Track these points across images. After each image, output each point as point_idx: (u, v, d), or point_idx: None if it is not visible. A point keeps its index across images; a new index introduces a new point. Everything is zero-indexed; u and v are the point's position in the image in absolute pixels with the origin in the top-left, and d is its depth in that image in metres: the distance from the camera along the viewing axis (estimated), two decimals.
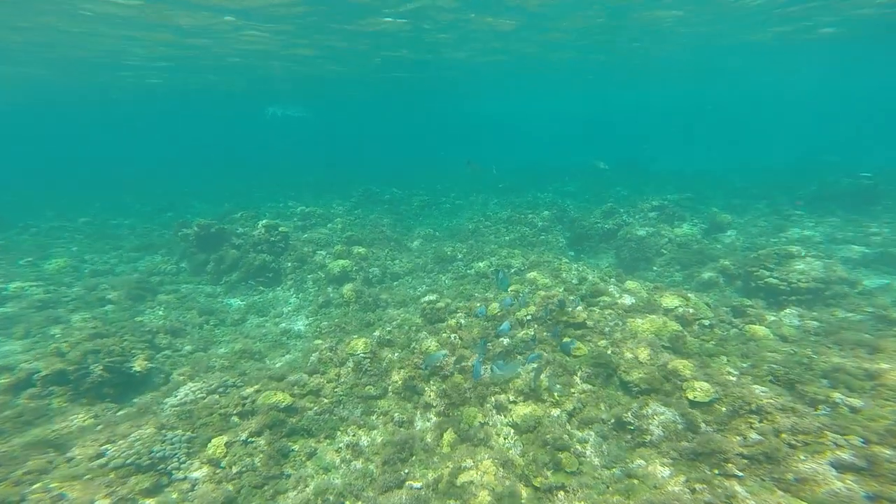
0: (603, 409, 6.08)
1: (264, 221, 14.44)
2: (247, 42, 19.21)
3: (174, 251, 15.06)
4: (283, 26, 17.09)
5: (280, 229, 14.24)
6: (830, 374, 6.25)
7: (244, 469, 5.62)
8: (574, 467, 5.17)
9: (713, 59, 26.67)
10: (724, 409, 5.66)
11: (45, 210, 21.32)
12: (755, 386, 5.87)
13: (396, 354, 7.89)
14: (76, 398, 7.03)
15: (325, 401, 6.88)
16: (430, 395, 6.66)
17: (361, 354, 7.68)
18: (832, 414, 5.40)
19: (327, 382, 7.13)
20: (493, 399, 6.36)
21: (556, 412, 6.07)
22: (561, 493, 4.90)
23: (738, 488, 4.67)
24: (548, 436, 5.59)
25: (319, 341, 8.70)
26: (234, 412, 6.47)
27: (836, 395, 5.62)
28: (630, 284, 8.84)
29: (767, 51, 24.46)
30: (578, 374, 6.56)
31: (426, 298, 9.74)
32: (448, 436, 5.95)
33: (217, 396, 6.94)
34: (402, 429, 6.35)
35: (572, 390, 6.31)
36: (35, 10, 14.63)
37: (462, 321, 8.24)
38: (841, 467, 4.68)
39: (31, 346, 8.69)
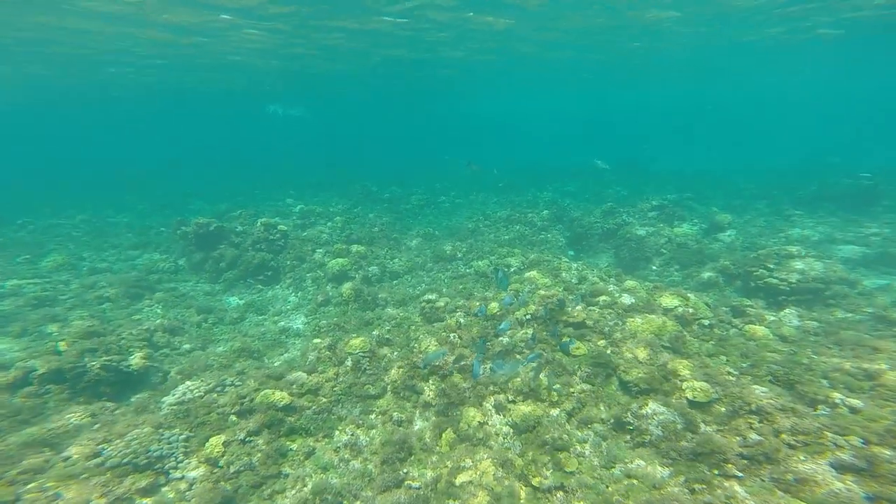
0: (602, 408, 6.07)
1: (263, 219, 14.40)
2: (245, 40, 19.14)
3: (173, 249, 15.01)
4: (280, 25, 17.03)
5: (279, 227, 14.20)
6: (830, 375, 6.24)
7: (242, 468, 5.60)
8: (573, 467, 5.15)
9: (712, 59, 26.64)
10: (723, 409, 5.65)
11: (43, 208, 21.24)
12: (755, 386, 5.85)
13: (395, 353, 7.87)
14: (73, 397, 6.99)
15: (324, 400, 6.85)
16: (429, 395, 6.64)
17: (360, 353, 7.66)
18: (832, 414, 5.39)
19: (326, 381, 7.10)
20: (492, 399, 6.34)
21: (555, 412, 6.05)
22: (560, 494, 4.89)
23: (737, 489, 4.66)
24: (547, 436, 5.58)
25: (318, 340, 8.66)
26: (233, 411, 6.44)
27: (836, 396, 5.61)
28: (629, 284, 8.83)
29: (767, 51, 24.44)
30: (578, 374, 6.54)
31: (425, 297, 9.72)
32: (447, 435, 5.93)
33: (215, 395, 6.91)
34: (400, 428, 6.33)
35: (571, 390, 6.29)
36: (35, 11, 14.59)
37: (461, 320, 8.21)
38: (841, 468, 4.67)
39: (27, 345, 8.64)
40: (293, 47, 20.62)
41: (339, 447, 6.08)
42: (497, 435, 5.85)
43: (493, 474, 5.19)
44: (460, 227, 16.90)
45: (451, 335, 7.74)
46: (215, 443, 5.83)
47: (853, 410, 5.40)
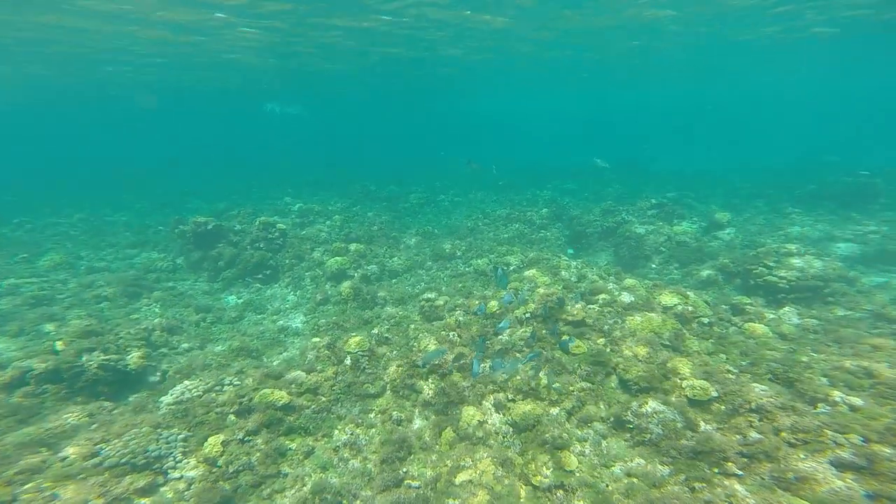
0: (602, 407, 6.05)
1: (262, 218, 14.35)
2: (240, 39, 19.06)
3: (171, 248, 14.95)
4: (277, 23, 16.96)
5: (278, 226, 14.16)
6: (830, 373, 6.24)
7: (241, 468, 5.57)
8: (573, 466, 5.14)
9: (711, 58, 26.61)
10: (723, 407, 5.64)
11: (40, 207, 21.13)
12: (755, 384, 5.84)
13: (394, 352, 7.84)
14: (70, 396, 6.96)
15: (323, 399, 6.83)
16: (428, 394, 6.62)
17: (359, 352, 7.63)
18: (832, 412, 5.39)
19: (325, 380, 7.07)
20: (491, 397, 6.33)
21: (554, 410, 6.04)
22: (560, 493, 4.87)
23: (737, 487, 4.65)
24: (547, 434, 5.56)
25: (317, 339, 8.64)
26: (231, 410, 6.41)
27: (836, 394, 5.61)
28: (629, 282, 8.81)
29: (764, 50, 24.43)
30: (577, 373, 6.52)
31: (424, 296, 9.69)
32: (446, 434, 5.91)
33: (214, 395, 6.88)
34: (400, 427, 6.31)
35: (571, 388, 6.28)
36: (34, 10, 14.53)
37: (461, 319, 8.19)
38: (841, 466, 4.66)
39: (24, 344, 8.60)
40: (291, 45, 20.54)
41: (338, 446, 6.06)
42: (497, 434, 5.83)
43: (493, 473, 5.17)
44: (459, 225, 16.87)
45: (451, 334, 7.72)
46: (214, 442, 5.81)
47: (853, 408, 5.40)
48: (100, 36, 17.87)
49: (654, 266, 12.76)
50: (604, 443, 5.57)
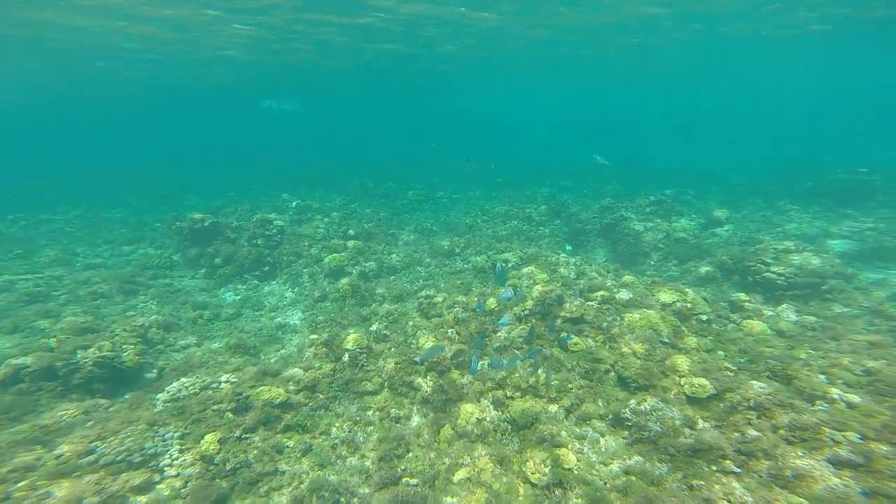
0: (600, 404, 6.05)
1: (259, 215, 14.25)
2: (235, 35, 18.88)
3: (167, 245, 14.86)
4: (271, 19, 16.79)
5: (275, 223, 14.07)
6: (828, 370, 6.24)
7: (238, 465, 5.54)
8: (571, 464, 5.13)
9: (708, 56, 26.51)
10: (721, 404, 5.64)
11: (36, 204, 20.96)
12: (753, 381, 5.84)
13: (393, 349, 7.82)
14: (66, 394, 6.91)
15: (321, 396, 6.80)
16: (426, 391, 6.59)
17: (357, 349, 7.60)
18: (830, 410, 5.39)
19: (323, 378, 7.04)
20: (490, 395, 6.31)
21: (553, 408, 6.03)
22: (558, 490, 4.86)
23: (735, 485, 4.65)
24: (545, 432, 5.55)
25: (315, 336, 8.61)
26: (228, 408, 6.38)
27: (834, 391, 5.61)
28: (627, 279, 8.80)
29: (761, 49, 24.36)
30: (576, 370, 6.51)
31: (423, 293, 9.66)
32: (444, 431, 5.89)
33: (210, 392, 6.84)
34: (398, 424, 6.29)
35: (570, 386, 6.27)
36: (32, 7, 14.38)
37: (459, 316, 8.16)
38: (838, 463, 4.66)
39: (19, 341, 8.53)
40: (286, 42, 20.37)
41: (336, 444, 6.03)
42: (495, 431, 5.82)
43: (492, 471, 5.16)
44: (458, 222, 16.82)
45: (449, 331, 7.69)
46: (211, 440, 5.77)
47: (851, 406, 5.41)
48: (94, 32, 17.67)
49: (652, 263, 12.76)
50: (602, 440, 5.56)
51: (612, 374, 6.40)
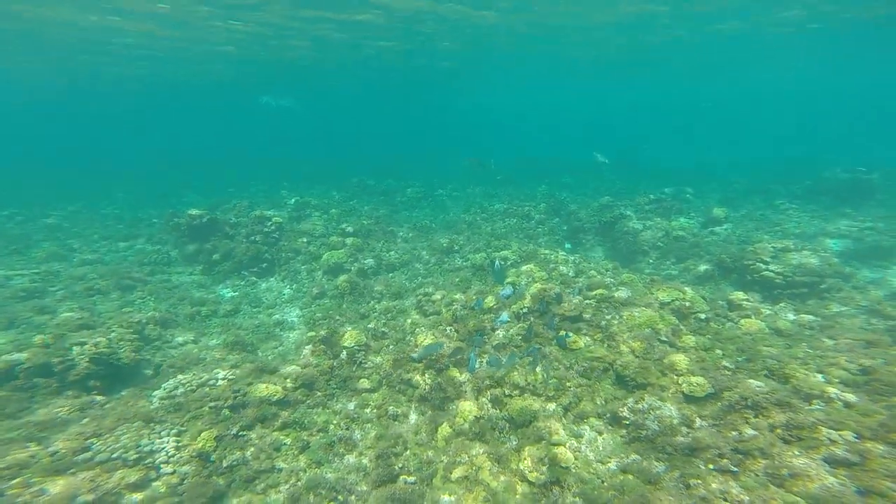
0: (598, 403, 6.04)
1: (258, 211, 14.20)
2: (233, 31, 18.74)
3: (165, 241, 14.79)
4: (269, 15, 16.67)
5: (274, 219, 14.01)
6: (825, 369, 6.25)
7: (235, 463, 5.53)
8: (569, 462, 5.12)
9: (707, 55, 26.46)
10: (719, 403, 5.64)
11: (33, 200, 20.82)
12: (750, 380, 5.85)
13: (391, 347, 7.80)
14: (61, 390, 6.86)
15: (319, 394, 6.78)
16: (424, 388, 6.58)
17: (355, 347, 7.58)
18: (826, 409, 5.40)
19: (320, 375, 7.02)
20: (488, 392, 6.30)
21: (551, 406, 6.02)
22: (556, 489, 4.86)
23: (732, 483, 4.65)
24: (543, 430, 5.55)
25: (313, 333, 8.57)
26: (225, 405, 6.35)
27: (831, 390, 5.62)
28: (626, 277, 8.79)
29: (759, 47, 24.31)
30: (574, 368, 6.50)
31: (421, 290, 9.64)
32: (442, 430, 5.89)
33: (207, 389, 6.81)
34: (395, 422, 6.28)
35: (567, 384, 6.26)
36: (31, 4, 14.24)
37: (458, 313, 8.15)
38: (834, 462, 4.67)
39: (14, 337, 8.45)
40: (284, 38, 20.24)
41: (333, 441, 6.02)
42: (493, 429, 5.81)
43: (489, 469, 5.16)
44: (457, 219, 16.79)
45: (448, 328, 7.67)
46: (207, 437, 5.75)
47: (847, 405, 5.42)
48: (88, 28, 17.52)
49: (651, 261, 12.76)
50: (599, 439, 5.56)
51: (611, 372, 6.40)
